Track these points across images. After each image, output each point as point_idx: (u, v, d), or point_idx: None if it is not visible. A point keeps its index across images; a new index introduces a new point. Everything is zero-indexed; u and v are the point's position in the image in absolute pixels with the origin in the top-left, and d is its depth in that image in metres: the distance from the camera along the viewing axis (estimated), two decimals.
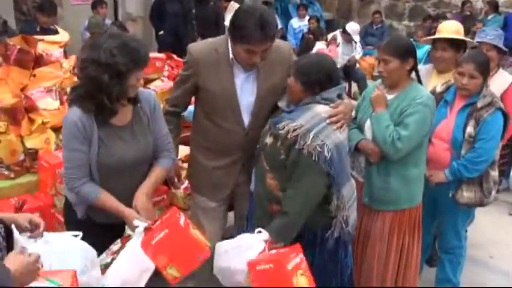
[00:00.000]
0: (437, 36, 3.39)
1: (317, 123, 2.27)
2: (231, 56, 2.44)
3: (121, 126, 2.22)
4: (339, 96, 2.42)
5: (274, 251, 2.18)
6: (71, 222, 2.34)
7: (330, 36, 8.40)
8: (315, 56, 2.46)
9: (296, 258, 2.10)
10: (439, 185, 2.99)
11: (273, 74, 2.50)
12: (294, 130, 2.26)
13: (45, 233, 1.89)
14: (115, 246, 2.10)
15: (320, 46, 7.89)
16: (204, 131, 2.62)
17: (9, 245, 1.82)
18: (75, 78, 3.22)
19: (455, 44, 3.30)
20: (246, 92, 2.51)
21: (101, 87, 2.05)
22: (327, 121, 2.28)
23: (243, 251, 2.20)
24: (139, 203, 2.23)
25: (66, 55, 3.47)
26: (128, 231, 2.14)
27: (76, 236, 1.94)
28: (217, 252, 2.28)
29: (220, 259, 2.26)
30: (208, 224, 2.71)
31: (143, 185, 2.30)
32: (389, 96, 2.74)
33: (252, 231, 2.30)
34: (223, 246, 2.28)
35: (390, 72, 2.69)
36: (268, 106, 2.54)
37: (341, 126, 2.32)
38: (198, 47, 2.57)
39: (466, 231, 3.33)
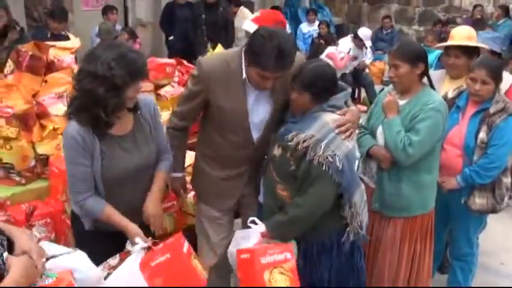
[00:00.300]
0: (449, 43, 3.36)
1: (327, 133, 2.26)
2: (244, 75, 2.36)
3: (122, 135, 2.21)
4: (345, 103, 2.42)
5: (264, 244, 2.24)
6: (78, 233, 2.35)
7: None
8: (315, 65, 2.40)
9: (278, 256, 2.12)
10: (451, 192, 2.97)
11: (286, 89, 2.41)
12: (304, 141, 2.26)
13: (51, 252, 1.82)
14: (113, 261, 2.09)
15: (330, 50, 7.86)
16: (212, 142, 2.60)
17: None
18: None
19: (468, 50, 3.26)
20: (258, 109, 2.47)
21: (97, 100, 2.02)
22: (336, 131, 2.27)
23: (243, 241, 2.33)
24: (149, 210, 2.26)
25: (77, 61, 3.49)
26: (128, 246, 2.12)
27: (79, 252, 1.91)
28: (233, 238, 2.42)
29: (231, 244, 2.40)
30: (213, 232, 2.72)
31: (152, 192, 2.31)
32: (401, 102, 2.73)
33: None
34: (237, 233, 2.43)
35: (401, 77, 2.68)
36: (277, 120, 2.50)
37: (350, 135, 2.31)
38: (209, 61, 2.48)
39: (477, 238, 3.30)
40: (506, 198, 3.05)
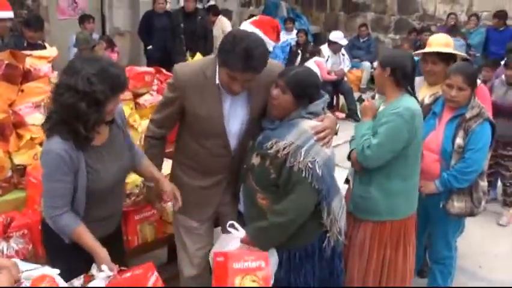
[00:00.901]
0: (427, 50, 3.42)
1: (306, 140, 2.27)
2: (217, 80, 2.36)
3: (101, 145, 2.19)
4: (322, 109, 2.44)
5: (241, 249, 2.28)
6: (54, 247, 2.26)
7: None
8: (302, 68, 2.47)
9: (252, 263, 2.13)
10: (430, 196, 3.01)
11: (262, 96, 2.43)
12: (284, 148, 2.26)
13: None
14: (77, 281, 2.04)
15: (316, 58, 7.94)
16: (189, 150, 2.57)
17: None
18: None
19: (445, 57, 3.33)
20: (234, 116, 2.45)
21: (78, 114, 1.98)
22: (315, 138, 2.28)
23: (223, 246, 2.37)
24: (167, 187, 2.41)
25: (53, 70, 3.45)
26: (93, 271, 2.06)
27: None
28: (218, 240, 2.49)
29: (214, 246, 2.49)
30: (190, 242, 2.68)
31: (159, 174, 2.49)
32: (381, 108, 2.80)
33: None
34: (222, 236, 2.50)
35: (375, 78, 2.82)
36: (255, 128, 2.48)
37: (328, 142, 2.32)
38: (184, 69, 2.47)
39: (456, 241, 3.35)
40: (483, 202, 3.11)
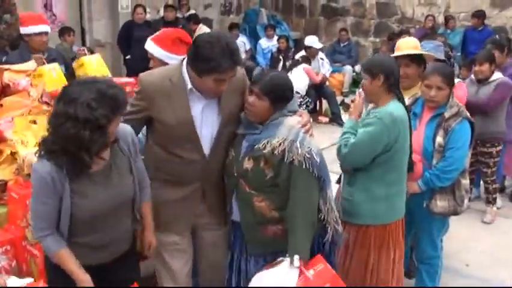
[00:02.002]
0: (397, 53, 3.44)
1: (297, 133, 2.34)
2: (189, 86, 2.34)
3: (97, 171, 2.09)
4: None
5: (312, 272, 2.31)
6: (52, 269, 2.21)
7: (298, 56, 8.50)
8: (277, 74, 2.50)
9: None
10: (413, 196, 3.03)
11: (231, 101, 2.44)
12: (280, 145, 2.31)
13: None
14: None
15: (304, 65, 8.00)
16: (160, 162, 2.50)
17: None
18: (43, 107, 3.17)
19: (416, 59, 3.36)
20: (207, 121, 2.42)
21: (81, 144, 1.91)
22: (302, 130, 2.37)
23: (279, 282, 2.28)
24: (148, 238, 2.41)
25: (32, 85, 3.42)
26: None
27: None
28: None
29: None
30: (171, 260, 2.59)
31: (148, 224, 2.41)
32: (368, 108, 2.86)
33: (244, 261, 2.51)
34: (257, 279, 2.37)
35: (364, 88, 2.80)
36: (228, 133, 2.47)
37: (312, 134, 2.43)
38: (150, 77, 2.43)
39: (441, 240, 3.37)
40: (466, 200, 3.15)
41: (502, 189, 5.37)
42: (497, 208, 4.94)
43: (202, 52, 2.21)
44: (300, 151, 2.29)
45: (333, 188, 2.63)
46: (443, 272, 3.45)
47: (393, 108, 2.71)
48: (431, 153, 3.01)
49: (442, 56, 3.97)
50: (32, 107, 3.20)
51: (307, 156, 2.30)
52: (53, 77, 3.44)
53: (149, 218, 2.42)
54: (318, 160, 2.32)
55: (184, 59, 2.41)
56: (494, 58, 4.53)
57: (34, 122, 3.02)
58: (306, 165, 2.29)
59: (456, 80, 3.59)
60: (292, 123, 2.38)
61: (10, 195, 2.82)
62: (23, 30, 4.29)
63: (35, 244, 2.83)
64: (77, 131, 1.88)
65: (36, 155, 2.07)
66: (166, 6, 8.60)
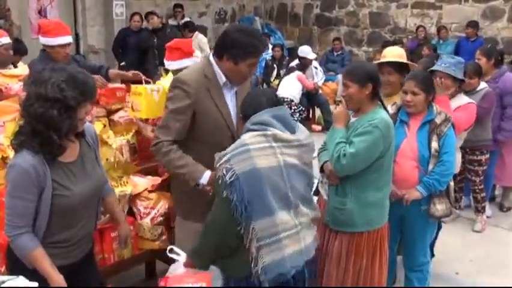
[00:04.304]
0: (382, 60, 3.50)
1: (237, 149, 2.16)
2: (223, 79, 2.63)
3: (71, 162, 2.15)
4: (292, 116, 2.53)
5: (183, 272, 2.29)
6: (17, 270, 2.15)
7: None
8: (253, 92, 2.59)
9: (192, 285, 2.05)
10: (410, 202, 3.06)
11: (242, 93, 2.68)
12: (219, 160, 2.17)
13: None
14: None
15: (298, 73, 8.04)
16: (193, 154, 2.58)
17: None
18: None
19: (399, 69, 3.42)
20: (233, 108, 2.71)
21: (49, 123, 1.97)
22: (250, 147, 2.15)
23: (172, 272, 2.37)
24: (125, 232, 2.50)
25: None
26: None
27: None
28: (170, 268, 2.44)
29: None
30: None
31: (120, 216, 2.53)
32: (353, 119, 2.82)
33: None
34: (171, 266, 2.44)
35: (351, 97, 2.75)
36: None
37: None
38: (189, 76, 2.63)
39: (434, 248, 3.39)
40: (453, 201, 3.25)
41: (492, 199, 5.41)
42: (487, 217, 4.97)
43: (239, 40, 2.50)
44: (219, 165, 2.13)
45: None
46: (433, 280, 3.47)
47: (384, 114, 2.75)
48: (427, 159, 3.05)
49: (460, 75, 3.72)
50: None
51: (223, 172, 2.09)
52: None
53: (120, 211, 2.57)
54: (228, 180, 2.07)
55: (209, 56, 2.69)
56: (482, 71, 4.57)
57: None
58: (219, 182, 2.12)
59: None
60: (245, 138, 2.19)
61: (0, 200, 2.82)
62: (47, 40, 3.83)
63: None
64: (45, 110, 1.95)
65: (11, 149, 2.10)
66: (148, 14, 8.62)
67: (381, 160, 2.71)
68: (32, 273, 2.02)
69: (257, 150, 2.14)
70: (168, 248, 2.41)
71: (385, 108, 2.85)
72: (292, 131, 2.29)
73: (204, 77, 2.60)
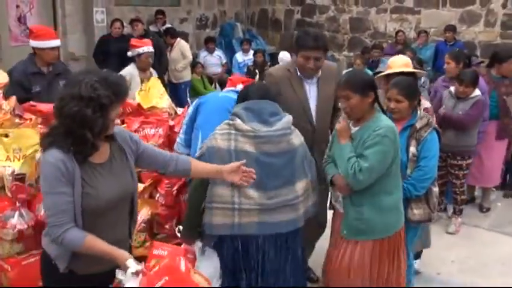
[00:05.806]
0: (390, 71, 3.66)
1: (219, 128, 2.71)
2: (298, 73, 3.34)
3: (99, 163, 2.15)
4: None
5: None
6: (50, 277, 2.19)
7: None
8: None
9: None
10: None
11: (327, 86, 3.39)
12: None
13: None
14: None
15: None
16: None
17: None
18: (16, 120, 3.15)
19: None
20: (312, 98, 3.39)
21: (83, 122, 1.99)
22: (216, 131, 2.68)
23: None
24: (229, 177, 2.46)
25: (4, 97, 3.39)
26: (119, 275, 1.95)
27: None
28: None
29: None
30: None
31: (215, 167, 2.50)
32: (354, 129, 2.80)
33: None
34: None
35: (353, 108, 2.72)
36: (326, 110, 3.43)
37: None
38: (276, 71, 3.55)
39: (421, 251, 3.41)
40: (436, 206, 3.24)
41: (471, 200, 5.49)
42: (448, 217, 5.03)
43: (299, 37, 3.28)
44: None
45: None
46: (415, 280, 3.51)
47: (387, 120, 2.77)
48: (405, 163, 3.08)
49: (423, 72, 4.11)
50: (4, 120, 3.17)
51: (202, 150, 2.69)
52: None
53: (210, 165, 2.54)
54: (199, 154, 2.67)
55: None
56: (478, 81, 4.64)
57: (6, 136, 2.99)
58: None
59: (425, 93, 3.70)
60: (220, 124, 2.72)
61: None
62: (37, 44, 4.26)
63: (6, 259, 2.80)
64: (79, 109, 1.98)
65: (41, 149, 2.11)
66: (133, 21, 8.59)
67: (391, 165, 2.73)
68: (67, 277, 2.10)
69: (219, 135, 2.66)
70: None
71: (384, 112, 2.88)
72: (266, 123, 2.66)
73: (287, 71, 3.40)
